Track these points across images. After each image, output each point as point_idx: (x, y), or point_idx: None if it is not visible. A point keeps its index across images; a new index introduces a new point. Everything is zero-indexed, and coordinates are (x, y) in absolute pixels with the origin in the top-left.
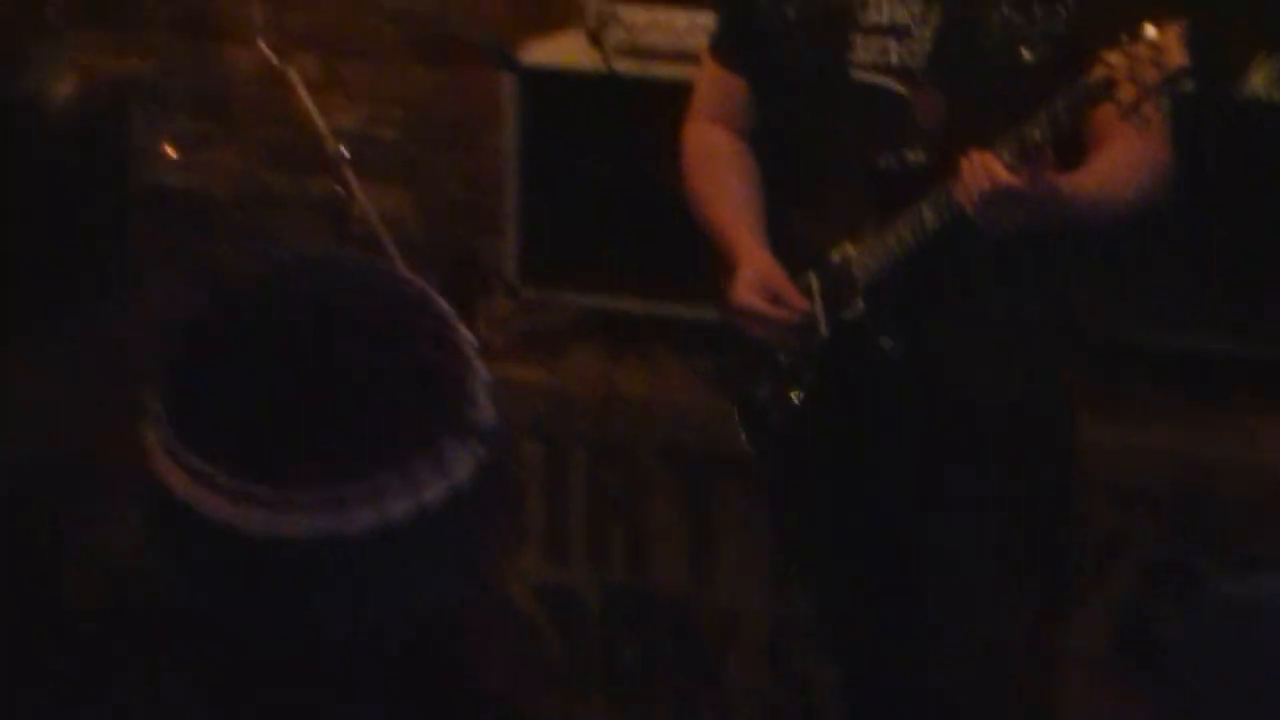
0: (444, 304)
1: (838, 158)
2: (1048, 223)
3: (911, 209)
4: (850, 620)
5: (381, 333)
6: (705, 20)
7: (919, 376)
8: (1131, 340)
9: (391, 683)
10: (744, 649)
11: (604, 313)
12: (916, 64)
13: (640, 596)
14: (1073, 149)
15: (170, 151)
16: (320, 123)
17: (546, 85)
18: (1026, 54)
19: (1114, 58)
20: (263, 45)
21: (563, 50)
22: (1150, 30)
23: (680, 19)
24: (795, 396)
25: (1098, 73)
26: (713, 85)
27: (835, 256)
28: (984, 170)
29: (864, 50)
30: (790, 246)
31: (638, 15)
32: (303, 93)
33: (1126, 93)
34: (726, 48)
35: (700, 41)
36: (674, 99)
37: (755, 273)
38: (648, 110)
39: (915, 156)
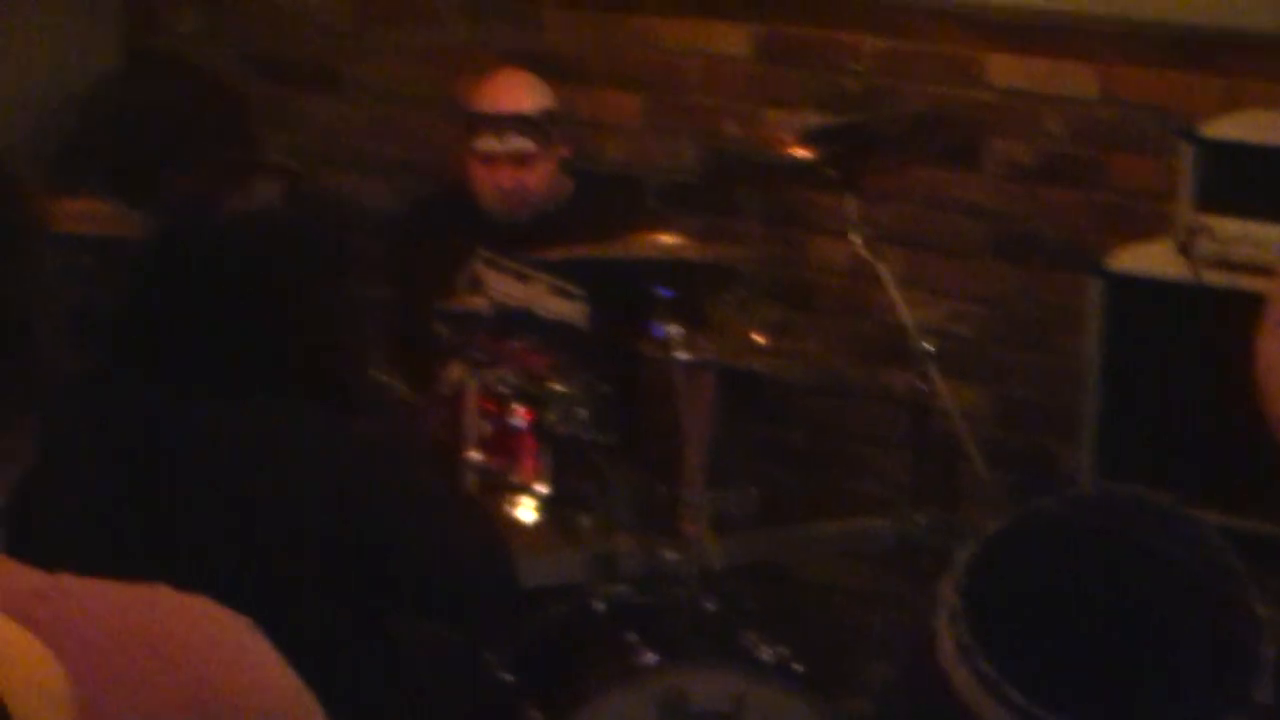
0: (1238, 562)
1: None
2: None
3: None
4: None
5: (1176, 583)
6: None
7: None
8: None
9: None
10: None
11: None
12: None
13: None
14: None
15: (758, 337)
16: (905, 317)
17: (1131, 292)
18: None
19: None
20: (854, 239)
21: (1150, 258)
22: None
23: (1273, 233)
24: None
25: None
26: None
27: None
28: None
29: None
30: None
31: (1229, 227)
32: (890, 287)
33: None
34: None
35: None
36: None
37: None
38: (1234, 322)
39: None
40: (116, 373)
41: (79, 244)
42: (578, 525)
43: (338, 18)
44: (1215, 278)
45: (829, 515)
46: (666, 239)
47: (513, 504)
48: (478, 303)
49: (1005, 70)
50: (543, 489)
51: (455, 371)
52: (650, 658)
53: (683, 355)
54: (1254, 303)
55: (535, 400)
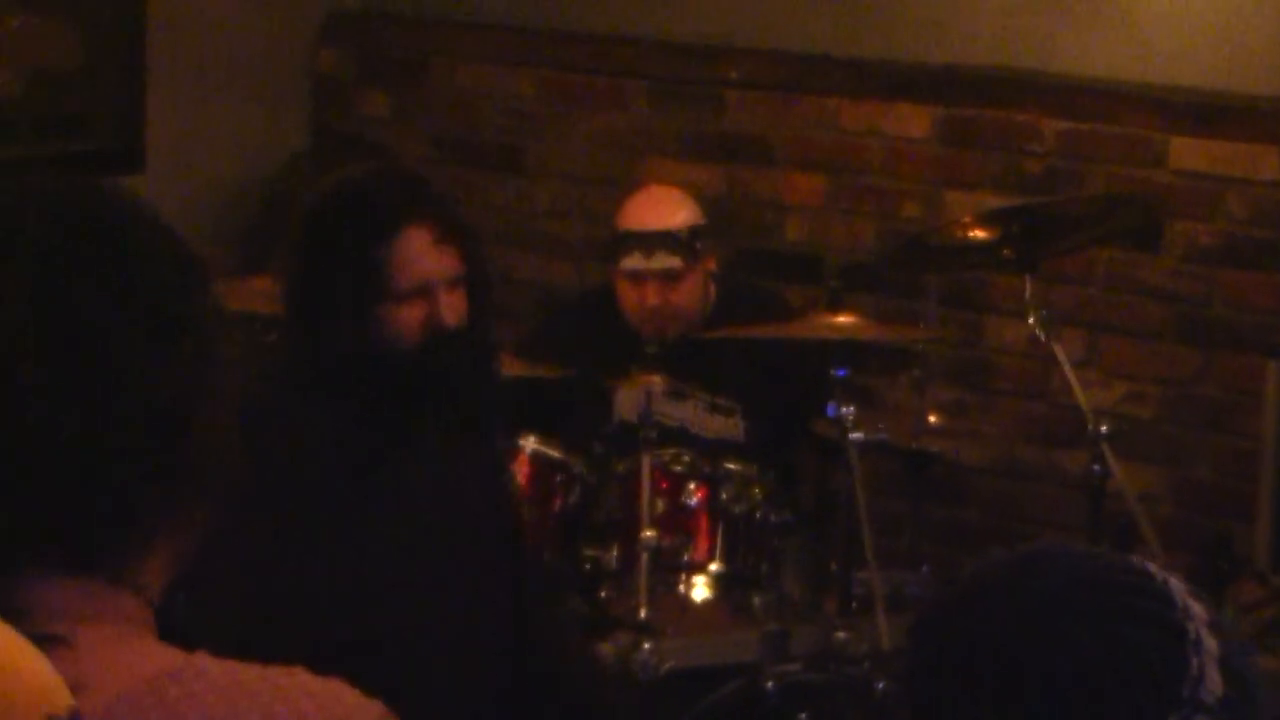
0: (1170, 585)
1: None
2: None
3: None
4: None
5: (1099, 619)
6: None
7: None
8: None
9: None
10: None
11: None
12: None
13: None
14: None
15: (933, 418)
16: (1081, 399)
17: None
18: None
19: None
20: (1032, 321)
21: None
22: None
23: None
24: None
25: None
26: None
27: None
28: None
29: None
30: None
31: None
32: (1067, 369)
33: None
34: None
35: None
36: None
37: None
38: None
39: None
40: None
41: (265, 322)
42: (750, 604)
43: (522, 101)
44: None
45: None
46: (843, 319)
47: (687, 583)
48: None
49: (1186, 152)
50: (716, 567)
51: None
52: None
53: (857, 435)
54: None
55: (710, 479)
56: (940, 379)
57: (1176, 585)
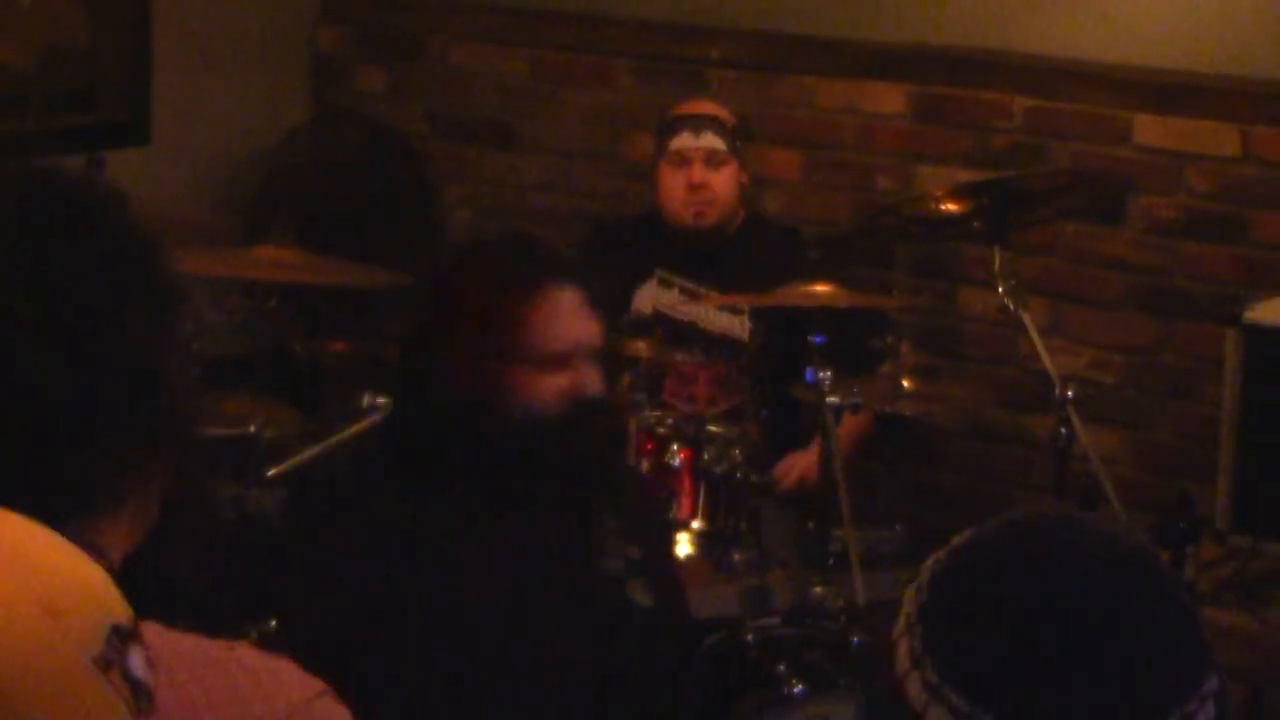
0: (1162, 562)
1: None
2: None
3: None
4: None
5: (1107, 590)
6: None
7: None
8: None
9: None
10: None
11: None
12: None
13: None
14: None
15: (906, 383)
16: (1048, 365)
17: (1268, 342)
18: None
19: None
20: (1001, 290)
21: None
22: None
23: None
24: None
25: None
26: None
27: None
28: None
29: None
30: None
31: None
32: (1034, 337)
33: None
34: None
35: None
36: None
37: None
38: None
39: None
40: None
41: (266, 289)
42: (731, 560)
43: (513, 78)
44: None
45: None
46: (821, 288)
47: (671, 540)
48: (640, 349)
49: (1148, 129)
50: (699, 525)
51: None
52: (798, 688)
53: (834, 399)
54: None
55: (693, 441)
56: (914, 346)
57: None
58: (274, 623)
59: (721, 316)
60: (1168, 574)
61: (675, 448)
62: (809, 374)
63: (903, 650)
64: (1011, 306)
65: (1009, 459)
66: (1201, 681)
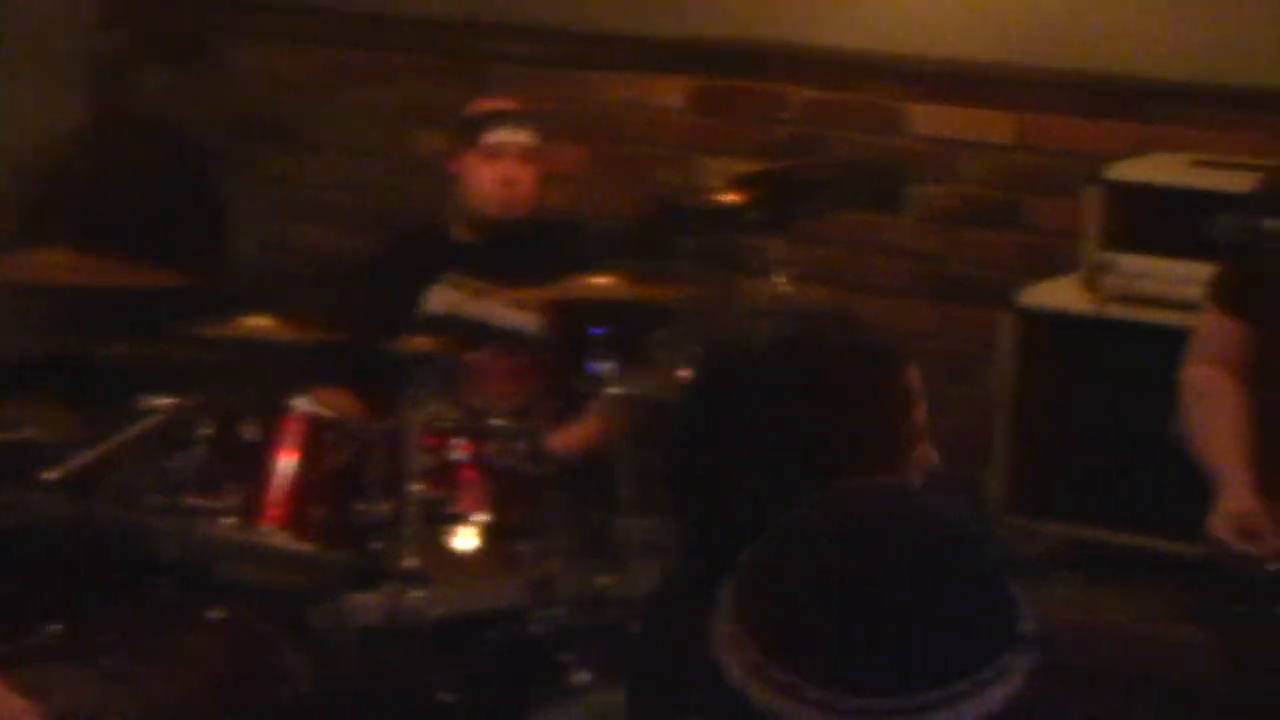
0: (977, 522)
1: None
2: None
3: None
4: None
5: (938, 556)
6: (1197, 270)
7: None
8: None
9: None
10: None
11: (1084, 542)
12: None
13: None
14: None
15: (685, 374)
16: None
17: (1041, 325)
18: None
19: None
20: (779, 279)
21: (1059, 294)
22: None
23: (1175, 269)
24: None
25: None
26: (1212, 330)
27: None
28: None
29: None
30: (1274, 480)
31: (1134, 263)
32: None
33: None
34: (1228, 293)
35: (1192, 291)
36: (1162, 343)
37: (1231, 507)
38: (1138, 352)
39: None
40: None
41: (46, 292)
42: (516, 552)
43: (298, 78)
44: (1120, 311)
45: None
46: (602, 280)
47: (455, 534)
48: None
49: (926, 119)
50: (483, 518)
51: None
52: (584, 676)
53: (615, 390)
54: (1157, 334)
55: (476, 434)
56: (698, 337)
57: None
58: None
59: (511, 312)
60: (978, 548)
61: (458, 441)
62: (590, 366)
63: (721, 633)
64: (791, 296)
65: None
66: (998, 653)
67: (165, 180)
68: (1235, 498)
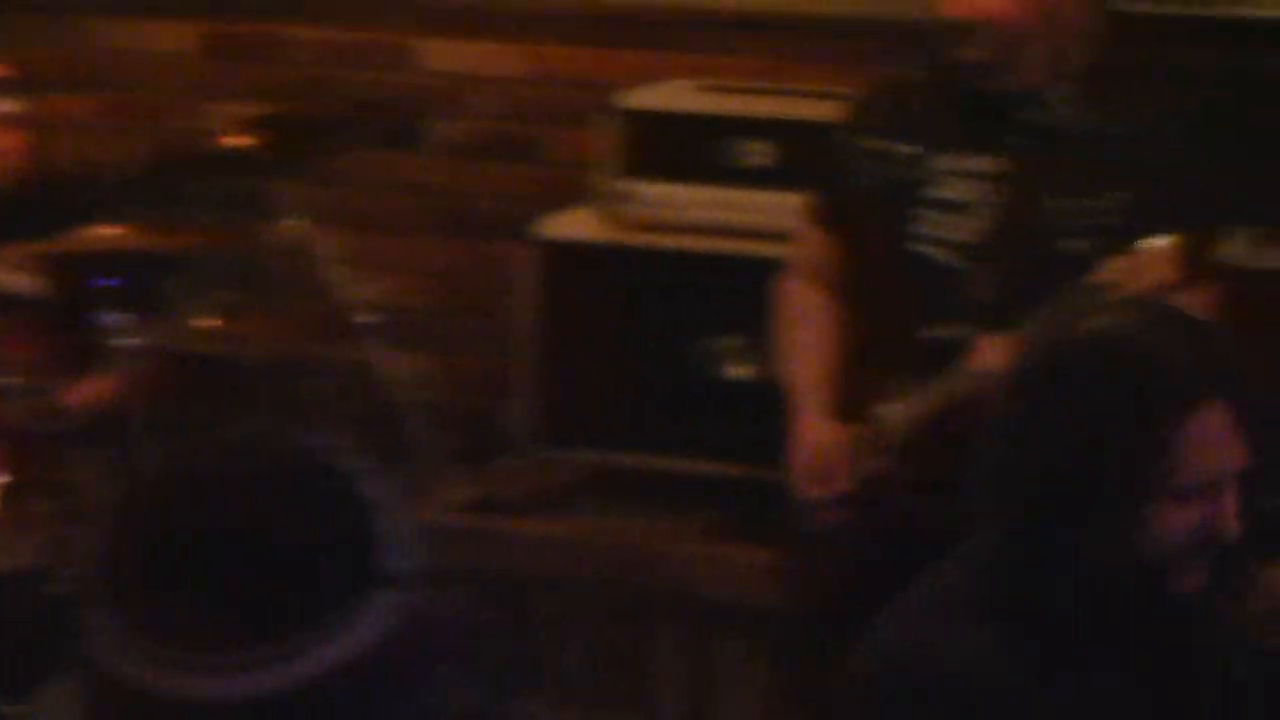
0: (352, 462)
1: (895, 323)
2: None
3: (945, 377)
4: None
5: (286, 501)
6: (715, 195)
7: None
8: None
9: None
10: None
11: (611, 468)
12: (974, 241)
13: None
14: None
15: (207, 322)
16: (348, 294)
17: (561, 256)
18: (1079, 243)
19: (1120, 264)
20: (293, 222)
21: (578, 224)
22: (1148, 244)
23: (693, 194)
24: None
25: (1104, 276)
26: (809, 244)
27: (882, 414)
28: (991, 353)
29: (927, 224)
30: (853, 400)
31: (652, 190)
32: (330, 266)
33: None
34: (825, 208)
35: (711, 216)
36: (683, 268)
37: (806, 439)
38: (658, 279)
39: (962, 330)
40: None
41: None
42: (36, 512)
43: None
44: (640, 239)
45: None
46: (111, 231)
47: None
48: None
49: (440, 55)
50: (2, 479)
51: None
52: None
53: (130, 341)
54: (678, 260)
55: None
56: (216, 284)
57: (355, 465)
58: None
59: (7, 275)
60: (337, 492)
61: None
62: (103, 317)
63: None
64: (310, 238)
65: (320, 391)
66: (357, 594)
67: None
68: (810, 427)
